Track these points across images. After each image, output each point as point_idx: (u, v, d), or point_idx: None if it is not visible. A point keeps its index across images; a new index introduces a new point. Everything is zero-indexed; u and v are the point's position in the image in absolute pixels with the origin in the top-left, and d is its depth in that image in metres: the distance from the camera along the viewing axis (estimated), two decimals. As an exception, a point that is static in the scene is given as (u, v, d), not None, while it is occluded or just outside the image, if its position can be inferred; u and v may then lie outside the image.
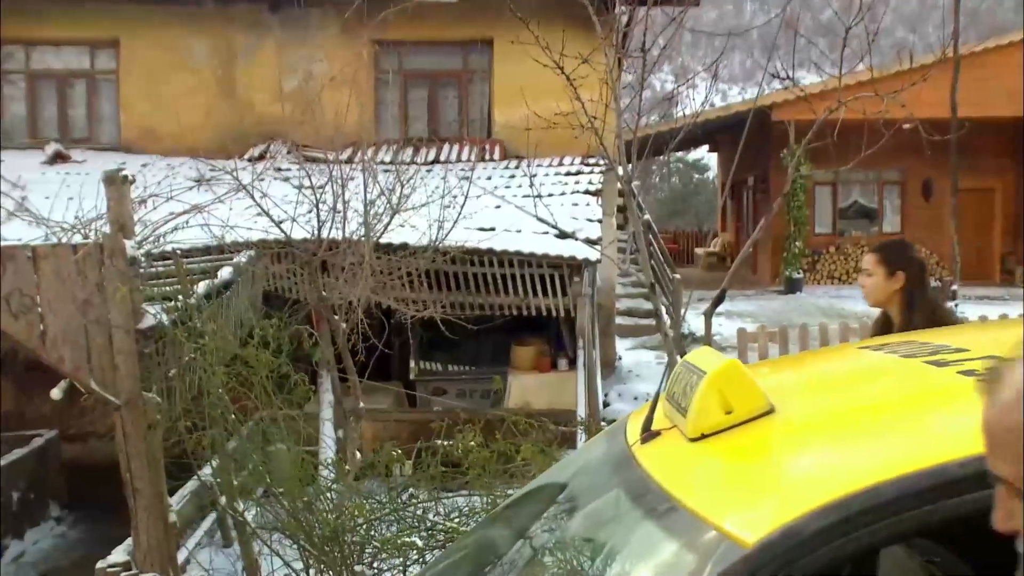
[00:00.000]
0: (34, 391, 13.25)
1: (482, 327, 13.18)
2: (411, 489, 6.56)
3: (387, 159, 12.42)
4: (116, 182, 7.03)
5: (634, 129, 7.68)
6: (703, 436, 2.32)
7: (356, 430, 7.86)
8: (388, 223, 8.30)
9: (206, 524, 8.62)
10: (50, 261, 6.82)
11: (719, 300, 7.74)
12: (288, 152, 13.51)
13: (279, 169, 13.07)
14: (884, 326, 4.48)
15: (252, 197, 8.50)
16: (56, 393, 7.10)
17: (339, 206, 8.68)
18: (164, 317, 7.04)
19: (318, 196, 8.45)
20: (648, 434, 2.58)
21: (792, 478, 2.07)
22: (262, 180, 12.80)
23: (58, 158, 13.43)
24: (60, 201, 10.82)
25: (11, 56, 14.40)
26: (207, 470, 7.87)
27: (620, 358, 14.48)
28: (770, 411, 2.34)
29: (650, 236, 15.62)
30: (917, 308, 4.35)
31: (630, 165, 7.82)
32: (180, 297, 7.35)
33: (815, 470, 2.07)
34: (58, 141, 13.87)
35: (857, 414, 2.33)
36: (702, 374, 2.38)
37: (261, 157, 13.53)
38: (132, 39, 14.08)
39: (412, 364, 13.41)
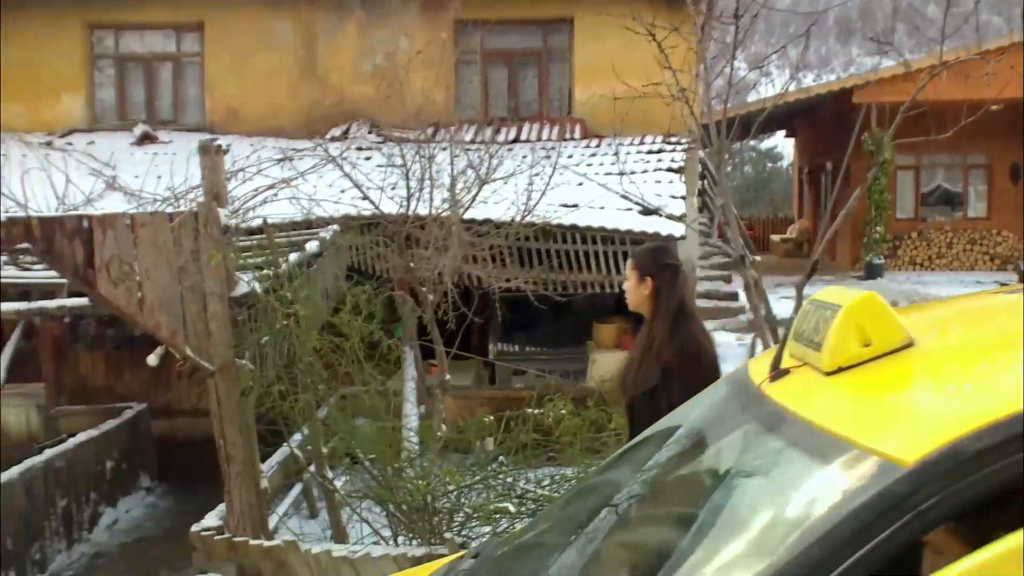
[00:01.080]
0: (123, 368, 13.57)
1: (561, 307, 13.18)
2: (501, 457, 6.55)
3: (467, 139, 12.42)
4: (210, 152, 7.14)
5: (724, 98, 7.57)
6: (840, 369, 2.27)
7: (442, 401, 7.87)
8: (476, 193, 8.29)
9: (294, 493, 8.71)
10: (148, 229, 6.92)
11: (812, 271, 7.60)
12: (370, 132, 13.60)
13: (360, 148, 13.19)
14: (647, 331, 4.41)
15: (342, 170, 8.57)
16: (152, 360, 7.23)
17: (426, 180, 8.71)
18: (256, 285, 7.12)
19: (408, 168, 8.47)
20: (778, 372, 2.53)
21: (946, 402, 2.00)
22: (344, 159, 12.95)
23: (146, 139, 13.68)
24: (150, 179, 11.04)
25: (101, 41, 14.70)
26: (297, 438, 7.99)
27: (700, 339, 14.33)
28: (909, 344, 2.28)
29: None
30: (660, 315, 4.32)
31: (718, 135, 7.72)
32: (271, 266, 7.43)
33: (969, 395, 2.00)
34: (145, 123, 14.13)
35: (1000, 346, 2.25)
36: (837, 308, 2.32)
37: (343, 136, 13.62)
38: (217, 22, 14.27)
39: (491, 345, 13.42)
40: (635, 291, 4.43)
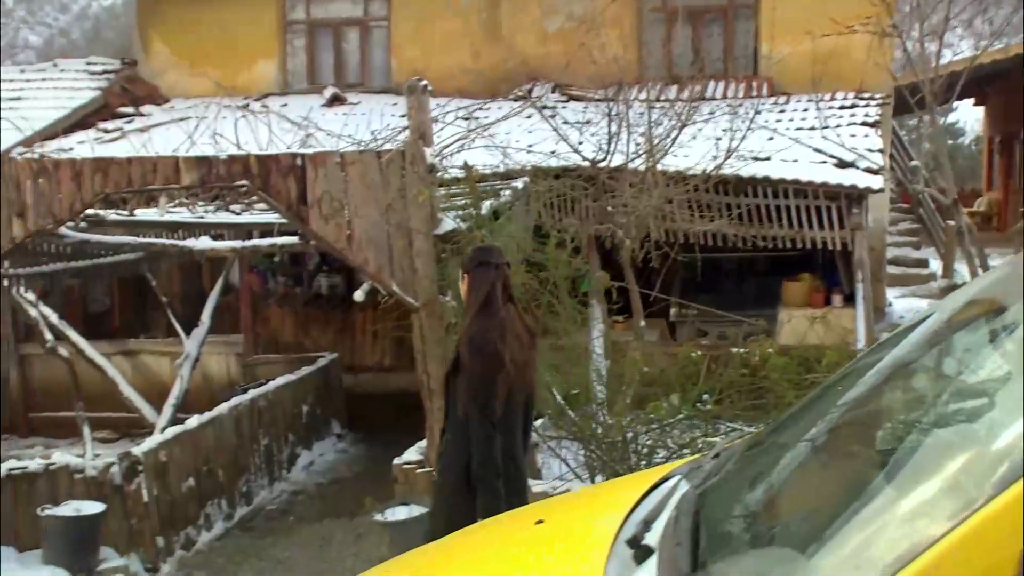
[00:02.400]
0: (310, 326, 14.06)
1: (744, 266, 12.91)
2: (705, 395, 6.47)
3: (652, 97, 12.27)
4: (417, 91, 7.26)
5: (940, 35, 7.24)
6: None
7: (638, 348, 7.81)
8: (676, 137, 8.18)
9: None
10: (357, 167, 7.12)
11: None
12: (553, 92, 13.61)
13: (544, 107, 13.23)
14: None
15: (545, 118, 8.56)
16: (359, 296, 7.43)
17: (622, 129, 8.65)
18: (460, 223, 7.22)
19: (610, 115, 8.44)
20: None
21: None
22: (528, 118, 12.99)
23: (335, 101, 14.08)
24: (342, 139, 11.35)
25: (293, 9, 15.20)
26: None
27: (890, 304, 13.85)
28: None
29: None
30: (467, 308, 4.90)
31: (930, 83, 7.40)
32: (473, 207, 7.52)
33: None
34: (335, 86, 14.54)
35: None
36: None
37: (525, 97, 13.67)
38: (403, -13, 14.60)
39: (672, 308, 13.27)
40: (460, 284, 5.10)
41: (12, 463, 7.58)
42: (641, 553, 2.58)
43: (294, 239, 8.17)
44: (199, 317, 11.48)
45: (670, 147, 8.43)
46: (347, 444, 11.38)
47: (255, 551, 8.28)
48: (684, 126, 8.57)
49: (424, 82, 7.26)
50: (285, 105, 13.88)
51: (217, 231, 9.46)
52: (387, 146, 9.03)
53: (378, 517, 6.97)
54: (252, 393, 9.65)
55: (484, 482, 4.75)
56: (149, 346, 12.41)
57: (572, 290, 7.00)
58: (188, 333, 11.26)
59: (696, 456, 3.64)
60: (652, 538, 2.63)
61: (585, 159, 8.38)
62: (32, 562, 7.20)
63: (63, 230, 7.91)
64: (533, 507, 3.82)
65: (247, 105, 13.71)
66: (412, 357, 14.18)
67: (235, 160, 7.05)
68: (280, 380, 10.24)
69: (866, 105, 11.95)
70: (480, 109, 12.24)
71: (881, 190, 9.99)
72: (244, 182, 7.00)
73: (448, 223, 7.09)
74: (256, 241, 8.39)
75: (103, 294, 14.14)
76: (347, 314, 13.63)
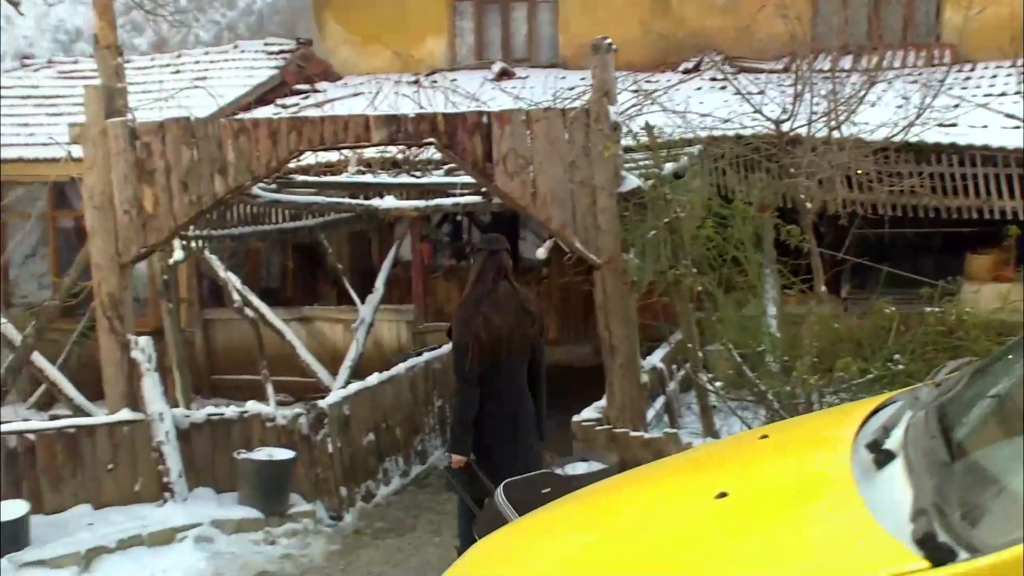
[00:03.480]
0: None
1: (919, 241, 12.45)
2: (896, 355, 6.29)
3: (826, 68, 11.98)
4: (601, 50, 7.30)
5: None
6: None
7: (812, 312, 7.65)
8: (863, 97, 7.97)
9: (657, 404, 8.80)
10: (542, 124, 7.20)
11: None
12: (723, 64, 13.43)
13: (714, 79, 13.08)
14: None
15: (732, 83, 8.44)
16: (541, 253, 7.53)
17: (804, 93, 8.46)
18: (642, 182, 7.22)
19: (796, 72, 8.28)
20: None
21: None
22: (698, 89, 12.84)
23: (503, 75, 14.23)
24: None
25: (463, -13, 15.46)
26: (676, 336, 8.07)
27: (1080, 283, 13.16)
28: None
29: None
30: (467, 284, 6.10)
31: None
32: (655, 167, 7.50)
33: None
34: (502, 61, 14.70)
35: None
36: None
37: (694, 69, 13.55)
38: (570, -39, 14.63)
39: (843, 286, 12.92)
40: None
41: (211, 409, 7.98)
42: (883, 457, 2.56)
43: (476, 198, 8.32)
44: (367, 288, 11.83)
45: (856, 106, 8.20)
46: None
47: (432, 506, 8.48)
48: (872, 84, 8.32)
49: (608, 40, 7.29)
50: (454, 80, 14.09)
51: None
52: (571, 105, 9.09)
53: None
54: (426, 355, 9.87)
55: (451, 430, 6.19)
56: (323, 313, 12.85)
57: (758, 245, 6.92)
58: (359, 302, 11.63)
59: (913, 388, 3.56)
60: (892, 444, 2.60)
61: (767, 119, 8.23)
62: (229, 503, 7.56)
63: (256, 190, 8.26)
64: (753, 431, 3.82)
65: (417, 80, 14.01)
66: (576, 330, 14.28)
67: (423, 118, 7.22)
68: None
69: (1061, 71, 11.37)
70: (648, 81, 12.20)
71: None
72: (431, 139, 7.17)
73: (632, 180, 7.10)
74: (439, 200, 8.57)
75: (278, 264, 14.69)
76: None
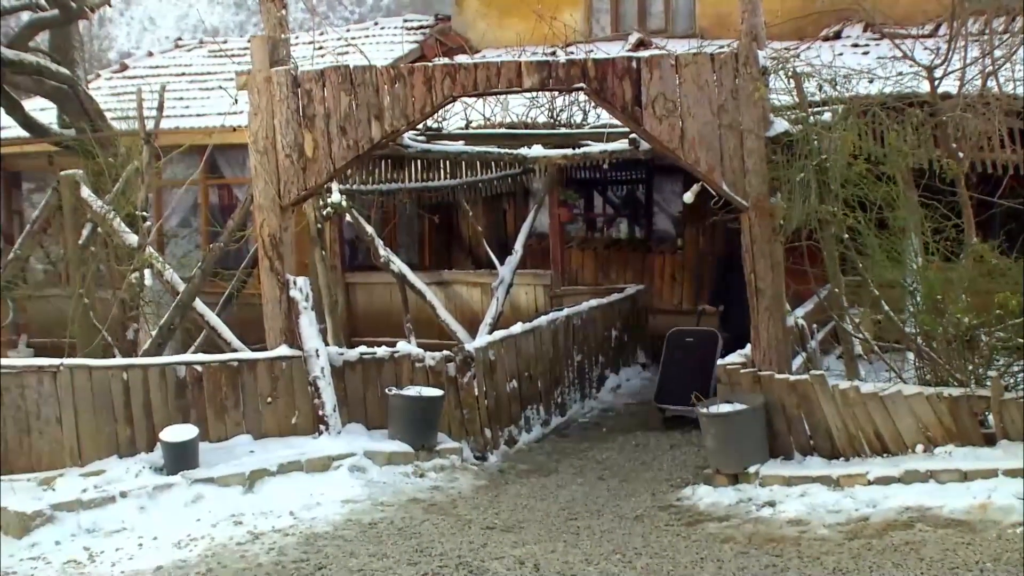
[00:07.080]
0: (609, 267, 14.35)
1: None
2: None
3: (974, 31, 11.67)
4: (751, -6, 7.31)
5: None
6: None
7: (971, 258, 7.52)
8: (1012, 53, 7.78)
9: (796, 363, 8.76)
10: (691, 68, 7.27)
11: None
12: (865, 30, 13.23)
13: (856, 46, 12.90)
14: None
15: (893, 42, 8.30)
16: (688, 197, 7.60)
17: (957, 42, 8.29)
18: (790, 126, 7.22)
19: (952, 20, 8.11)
20: None
21: None
22: (839, 55, 12.64)
23: (640, 46, 14.25)
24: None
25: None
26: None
27: None
28: None
29: None
30: None
31: None
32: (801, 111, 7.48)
33: None
34: (638, 31, 14.74)
35: None
36: None
37: (835, 37, 13.38)
38: (706, -70, 14.60)
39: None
40: None
41: (363, 348, 8.28)
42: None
43: (623, 145, 8.43)
44: (501, 259, 12.03)
45: (1011, 55, 7.99)
46: (651, 374, 11.59)
47: (573, 452, 8.64)
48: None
49: (755, -17, 7.31)
50: (591, 51, 14.21)
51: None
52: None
53: (702, 410, 7.11)
54: (567, 311, 10.02)
55: None
56: (461, 277, 13.12)
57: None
58: (498, 263, 11.84)
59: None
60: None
61: (918, 64, 8.07)
62: (379, 437, 7.85)
63: (407, 139, 8.53)
64: None
65: (554, 52, 14.15)
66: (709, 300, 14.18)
67: (573, 64, 7.37)
68: (593, 302, 10.59)
69: None
70: (787, 50, 12.07)
71: None
72: (581, 84, 7.31)
73: (781, 123, 7.12)
74: (586, 148, 8.71)
75: (416, 233, 15.02)
76: (645, 257, 13.87)
